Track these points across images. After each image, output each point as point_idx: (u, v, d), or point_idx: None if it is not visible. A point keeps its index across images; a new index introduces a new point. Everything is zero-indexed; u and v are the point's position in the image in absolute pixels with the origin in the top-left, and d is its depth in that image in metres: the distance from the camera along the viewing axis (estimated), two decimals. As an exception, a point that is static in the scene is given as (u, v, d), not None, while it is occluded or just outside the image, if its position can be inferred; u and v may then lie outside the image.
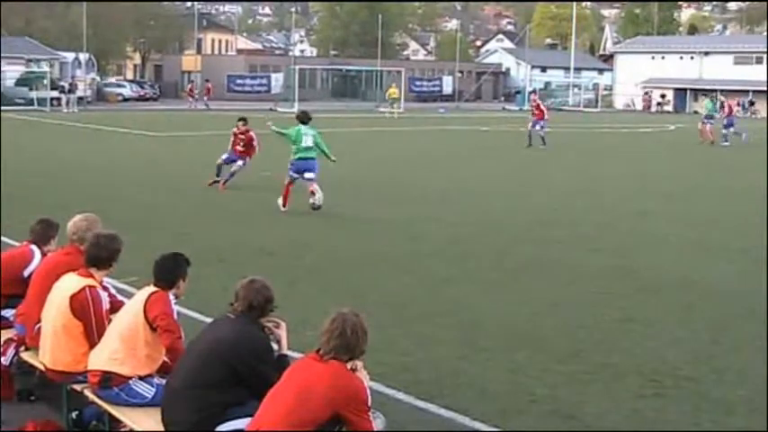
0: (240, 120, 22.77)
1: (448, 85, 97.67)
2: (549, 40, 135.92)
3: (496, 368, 9.00)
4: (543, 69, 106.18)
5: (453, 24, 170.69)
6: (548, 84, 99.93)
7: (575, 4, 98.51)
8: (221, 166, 22.38)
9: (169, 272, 6.73)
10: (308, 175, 18.61)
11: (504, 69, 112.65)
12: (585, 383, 8.60)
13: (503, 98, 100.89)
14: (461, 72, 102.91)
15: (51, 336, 7.00)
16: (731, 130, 42.62)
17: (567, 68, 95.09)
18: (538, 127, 37.98)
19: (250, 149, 22.67)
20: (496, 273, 13.50)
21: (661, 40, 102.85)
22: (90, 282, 6.96)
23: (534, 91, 42.70)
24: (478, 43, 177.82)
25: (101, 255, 7.09)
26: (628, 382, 8.68)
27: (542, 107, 38.70)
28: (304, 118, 19.05)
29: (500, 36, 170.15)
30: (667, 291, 12.57)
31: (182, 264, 6.82)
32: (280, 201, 18.91)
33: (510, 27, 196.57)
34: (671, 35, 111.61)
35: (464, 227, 17.70)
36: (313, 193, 18.43)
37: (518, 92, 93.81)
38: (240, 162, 22.39)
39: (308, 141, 18.64)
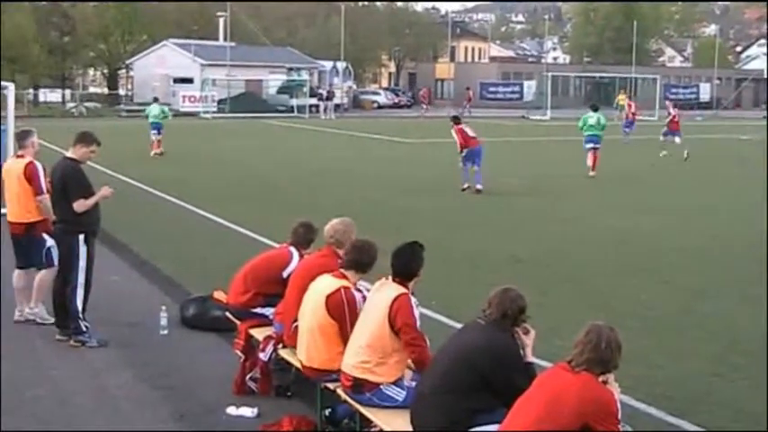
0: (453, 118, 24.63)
1: (705, 92, 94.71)
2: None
3: (753, 387, 8.63)
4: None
5: (712, 29, 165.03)
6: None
7: None
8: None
9: (408, 264, 6.76)
10: (596, 144, 27.49)
11: (766, 76, 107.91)
12: None
13: (764, 106, 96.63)
14: (720, 79, 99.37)
15: (308, 334, 7.22)
16: None
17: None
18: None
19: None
20: (755, 286, 12.90)
21: None
22: (345, 283, 7.11)
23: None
24: (738, 49, 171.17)
25: (362, 260, 7.21)
26: None
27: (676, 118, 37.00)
28: (596, 106, 29.46)
29: (762, 41, 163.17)
30: None
31: (419, 253, 6.83)
32: (591, 173, 26.95)
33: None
34: None
35: (722, 238, 17.09)
36: (596, 159, 27.34)
37: None
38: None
39: (591, 121, 27.89)
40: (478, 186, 22.43)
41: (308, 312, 7.24)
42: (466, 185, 22.80)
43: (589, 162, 27.28)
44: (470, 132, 23.18)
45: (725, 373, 9.04)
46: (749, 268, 14.21)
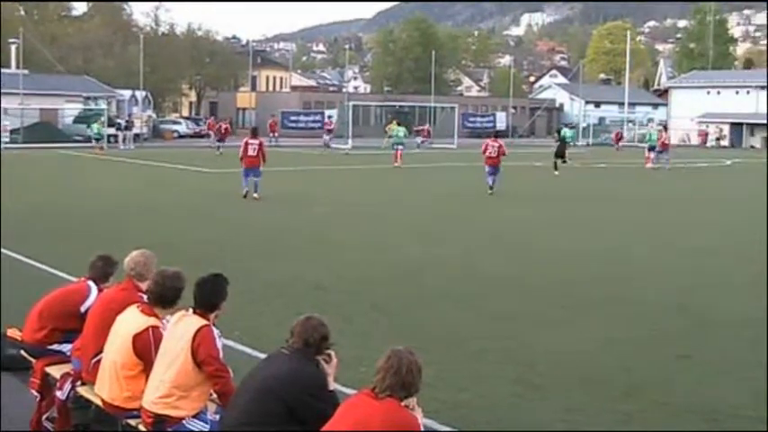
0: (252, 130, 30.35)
1: (501, 120, 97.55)
2: (602, 76, 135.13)
3: (553, 407, 8.89)
4: (597, 104, 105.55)
5: (507, 60, 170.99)
6: (602, 119, 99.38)
7: (629, 38, 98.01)
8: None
9: (211, 295, 6.66)
10: (399, 148, 46.82)
11: (557, 105, 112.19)
12: (643, 422, 8.47)
13: (556, 135, 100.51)
14: (515, 108, 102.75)
15: (110, 370, 6.98)
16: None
17: (621, 103, 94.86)
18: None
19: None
20: (555, 310, 13.33)
21: (716, 74, 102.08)
22: (154, 322, 6.91)
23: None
24: (532, 79, 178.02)
25: (165, 294, 7.05)
26: (686, 420, 8.54)
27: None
28: (400, 121, 53.68)
29: (553, 72, 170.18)
30: (726, 328, 12.37)
31: (222, 285, 6.75)
32: (396, 163, 44.87)
33: (563, 63, 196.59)
34: (726, 69, 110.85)
35: (524, 264, 17.58)
36: (399, 159, 45.48)
37: (572, 127, 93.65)
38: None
39: (400, 133, 48.49)
40: (255, 195, 27.77)
41: (113, 348, 6.99)
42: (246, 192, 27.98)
43: (395, 158, 45.32)
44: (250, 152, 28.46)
45: (525, 393, 9.27)
46: (544, 293, 14.70)
